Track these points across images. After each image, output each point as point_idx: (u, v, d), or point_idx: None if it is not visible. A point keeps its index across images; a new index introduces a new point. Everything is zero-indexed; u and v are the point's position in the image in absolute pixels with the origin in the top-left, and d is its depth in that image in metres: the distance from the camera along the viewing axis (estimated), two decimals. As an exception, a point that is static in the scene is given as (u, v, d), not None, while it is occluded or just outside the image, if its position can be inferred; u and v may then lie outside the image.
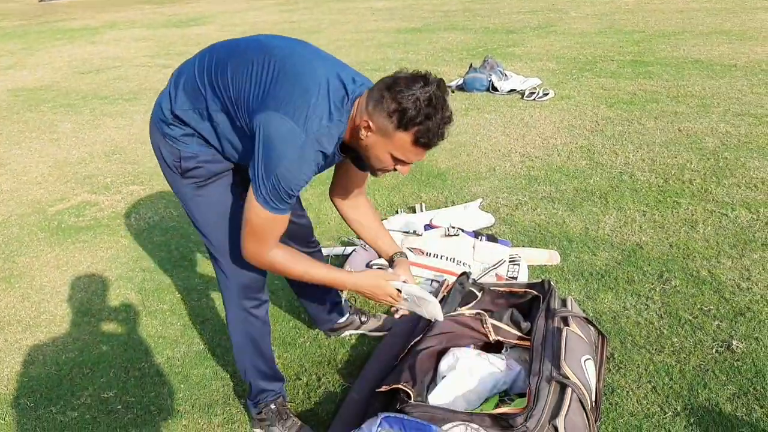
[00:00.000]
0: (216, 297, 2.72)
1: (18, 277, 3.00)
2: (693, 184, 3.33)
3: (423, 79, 1.45)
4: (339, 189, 1.88)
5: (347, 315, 2.36)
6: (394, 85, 1.43)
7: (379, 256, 1.96)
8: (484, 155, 4.03)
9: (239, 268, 1.76)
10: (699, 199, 3.17)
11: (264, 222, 1.53)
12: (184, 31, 10.55)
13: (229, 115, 1.59)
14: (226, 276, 1.81)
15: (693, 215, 3.02)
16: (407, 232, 2.93)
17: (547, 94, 5.12)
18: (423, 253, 2.69)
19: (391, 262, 1.87)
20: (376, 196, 3.51)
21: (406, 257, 1.89)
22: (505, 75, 5.54)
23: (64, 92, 6.67)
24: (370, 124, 1.45)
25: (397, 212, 3.29)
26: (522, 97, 5.17)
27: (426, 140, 1.44)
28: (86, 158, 4.56)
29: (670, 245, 2.78)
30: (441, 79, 1.48)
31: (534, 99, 5.08)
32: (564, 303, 2.09)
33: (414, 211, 3.32)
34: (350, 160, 1.72)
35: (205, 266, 2.98)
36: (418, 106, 1.40)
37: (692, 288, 2.46)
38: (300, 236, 2.05)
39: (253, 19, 11.37)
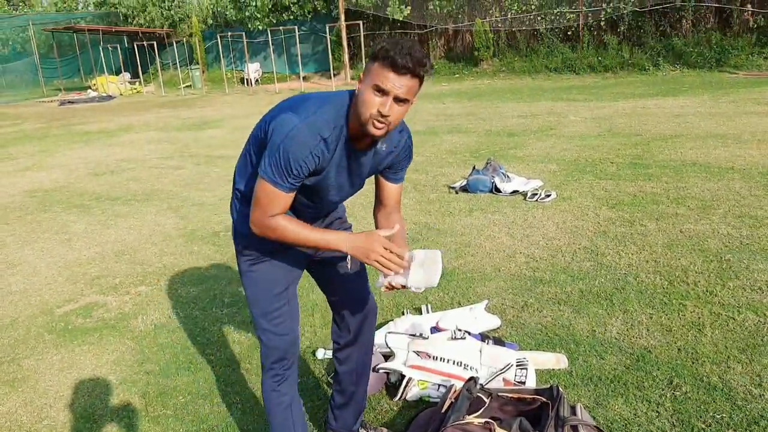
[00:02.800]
0: (220, 403, 2.68)
1: (22, 380, 2.98)
2: (698, 287, 3.35)
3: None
4: (377, 203, 2.11)
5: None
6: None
7: None
8: (488, 256, 4.08)
9: (270, 342, 2.01)
10: (705, 301, 3.18)
11: (265, 193, 1.75)
12: (196, 134, 10.95)
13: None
14: (260, 341, 2.04)
15: (700, 318, 3.01)
16: (414, 335, 2.92)
17: (549, 195, 5.24)
18: (430, 356, 2.68)
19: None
20: (383, 296, 3.53)
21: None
22: (508, 176, 5.69)
23: (78, 193, 6.86)
24: (361, 76, 1.72)
25: (403, 313, 3.29)
26: (525, 199, 5.29)
27: (388, 57, 1.63)
28: (96, 258, 4.63)
29: (678, 349, 2.76)
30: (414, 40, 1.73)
31: (536, 200, 5.19)
32: (573, 410, 2.06)
33: (420, 312, 3.32)
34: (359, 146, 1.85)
35: (210, 370, 2.96)
36: (385, 42, 1.66)
37: (703, 394, 2.42)
38: (353, 298, 2.21)
39: (264, 123, 11.79)
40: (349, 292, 2.19)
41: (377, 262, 1.74)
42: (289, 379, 2.09)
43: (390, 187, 2.06)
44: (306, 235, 1.80)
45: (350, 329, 2.21)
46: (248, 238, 1.91)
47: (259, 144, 1.85)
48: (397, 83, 1.64)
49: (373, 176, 2.04)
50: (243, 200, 1.93)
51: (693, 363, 2.64)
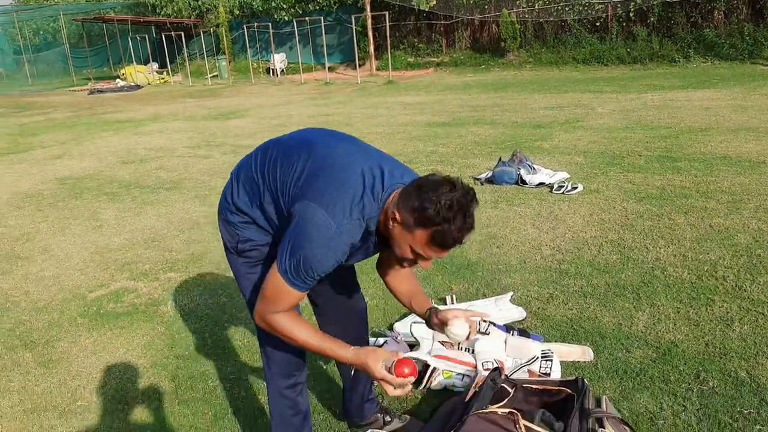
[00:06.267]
0: (248, 387, 2.73)
1: (56, 362, 3.07)
2: (727, 281, 3.31)
3: (450, 184, 1.52)
4: (383, 263, 2.00)
5: (374, 412, 2.37)
6: (423, 185, 1.53)
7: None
8: (514, 247, 4.07)
9: (278, 344, 1.88)
10: (733, 296, 3.15)
11: (278, 290, 1.64)
12: (223, 124, 11.05)
13: (276, 204, 1.74)
14: (266, 350, 1.97)
15: (728, 313, 2.98)
16: (438, 325, 2.94)
17: (575, 188, 5.20)
18: (454, 346, 2.70)
19: (427, 321, 1.92)
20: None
21: (438, 310, 1.90)
22: (534, 168, 5.66)
23: (108, 181, 6.98)
24: (397, 216, 1.56)
25: (428, 304, 3.31)
26: (551, 191, 5.26)
27: (440, 241, 1.52)
28: (126, 245, 4.72)
29: (706, 344, 2.74)
30: (471, 188, 1.55)
31: (563, 192, 5.16)
32: (598, 403, 2.07)
33: (445, 303, 3.34)
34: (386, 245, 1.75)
35: (237, 355, 3.01)
36: (438, 208, 1.47)
37: (731, 389, 2.41)
38: (351, 322, 2.16)
39: (287, 113, 11.88)
40: (338, 300, 2.13)
41: (379, 379, 1.61)
42: (305, 386, 2.04)
43: None
44: (308, 341, 1.68)
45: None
46: (250, 242, 1.84)
47: (271, 192, 1.73)
48: (441, 255, 1.59)
49: None
50: (245, 216, 1.81)
51: (721, 358, 2.62)
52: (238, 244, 1.86)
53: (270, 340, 1.89)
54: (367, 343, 2.27)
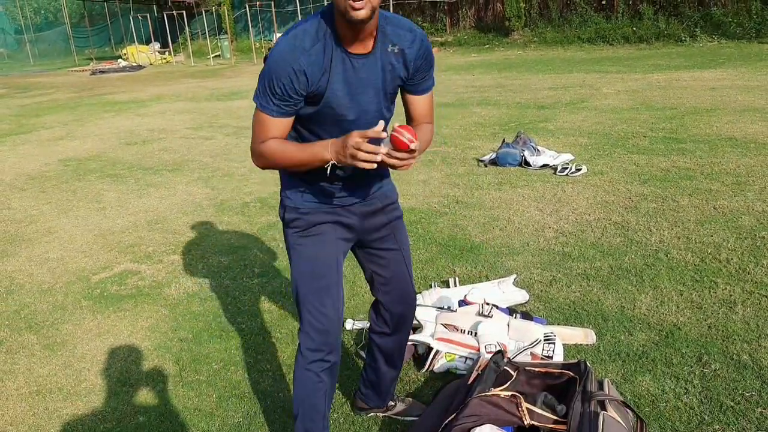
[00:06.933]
0: (252, 370, 2.75)
1: (60, 344, 3.09)
2: (730, 264, 3.30)
3: None
4: (408, 121, 1.98)
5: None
6: None
7: None
8: (517, 230, 4.07)
9: (312, 318, 1.92)
10: (737, 279, 3.14)
11: (257, 120, 1.77)
12: (226, 104, 11.00)
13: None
14: (301, 321, 1.96)
15: (731, 296, 2.98)
16: (441, 308, 2.95)
17: (579, 169, 5.18)
18: (457, 329, 2.70)
19: None
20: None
21: None
22: (538, 150, 5.63)
23: (111, 162, 6.97)
24: None
25: (430, 286, 3.32)
26: (555, 173, 5.24)
27: None
28: (130, 227, 4.73)
29: (709, 326, 2.74)
30: None
31: (567, 174, 5.14)
32: (601, 385, 2.07)
33: (447, 285, 3.34)
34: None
35: (241, 338, 3.02)
36: None
37: (733, 372, 2.41)
38: (397, 292, 2.14)
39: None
40: (392, 287, 2.12)
41: (352, 157, 1.59)
42: (333, 367, 1.99)
43: (417, 101, 1.92)
44: (293, 154, 1.73)
45: (388, 322, 2.16)
46: (295, 210, 1.91)
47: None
48: None
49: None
50: (285, 170, 1.88)
51: (723, 341, 2.62)
52: (285, 214, 1.95)
53: (308, 310, 1.92)
54: (408, 332, 2.27)
